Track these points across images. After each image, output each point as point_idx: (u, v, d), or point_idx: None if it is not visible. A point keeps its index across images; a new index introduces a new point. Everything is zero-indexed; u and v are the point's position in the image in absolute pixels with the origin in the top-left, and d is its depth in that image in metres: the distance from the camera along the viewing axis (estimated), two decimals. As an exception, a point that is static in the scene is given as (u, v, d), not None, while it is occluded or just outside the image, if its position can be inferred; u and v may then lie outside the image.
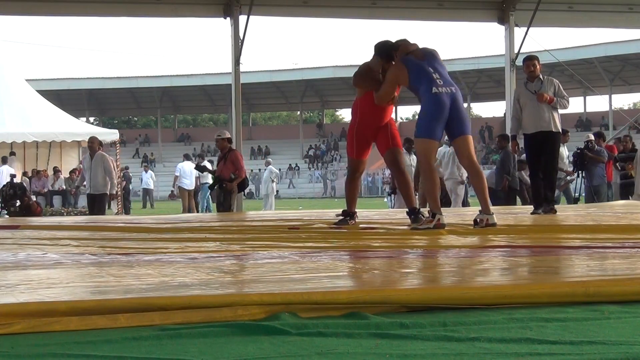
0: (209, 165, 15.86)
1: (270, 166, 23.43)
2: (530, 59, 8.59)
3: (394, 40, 6.53)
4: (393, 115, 6.91)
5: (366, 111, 6.59)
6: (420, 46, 6.48)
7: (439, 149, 14.37)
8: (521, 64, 9.17)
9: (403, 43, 6.42)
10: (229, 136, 12.03)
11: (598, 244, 4.62)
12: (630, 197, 14.12)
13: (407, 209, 6.64)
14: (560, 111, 8.58)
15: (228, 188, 11.61)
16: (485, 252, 4.30)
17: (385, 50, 6.52)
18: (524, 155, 11.45)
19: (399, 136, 6.76)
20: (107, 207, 13.81)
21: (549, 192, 8.45)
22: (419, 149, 6.22)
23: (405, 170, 6.85)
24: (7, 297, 2.78)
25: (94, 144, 13.37)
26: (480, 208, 6.16)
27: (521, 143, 9.26)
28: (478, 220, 6.09)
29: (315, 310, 2.58)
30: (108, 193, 13.08)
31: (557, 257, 3.98)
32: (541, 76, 8.49)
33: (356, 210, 6.86)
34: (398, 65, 6.29)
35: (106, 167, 12.99)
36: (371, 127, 6.60)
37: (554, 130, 8.33)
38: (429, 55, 6.32)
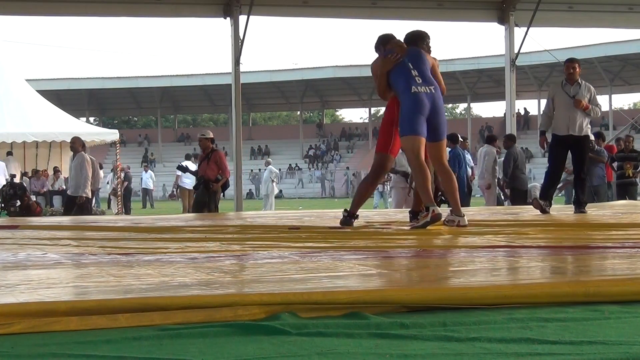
0: (192, 166, 15.85)
1: (270, 166, 23.44)
2: (572, 61, 8.66)
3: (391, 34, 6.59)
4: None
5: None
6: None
7: None
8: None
9: (391, 37, 6.49)
10: (212, 136, 12.05)
11: (598, 244, 4.62)
12: (627, 197, 14.12)
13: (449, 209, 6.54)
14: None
15: (214, 189, 11.65)
16: (485, 252, 4.30)
17: (377, 43, 6.60)
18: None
19: None
20: (90, 208, 13.58)
21: (581, 194, 8.53)
22: (407, 146, 6.20)
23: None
24: (7, 297, 2.78)
25: (75, 144, 13.28)
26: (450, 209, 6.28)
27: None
28: (447, 221, 6.14)
29: (315, 310, 2.58)
30: (87, 195, 12.85)
31: (557, 257, 3.98)
32: (580, 80, 8.51)
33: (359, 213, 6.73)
34: (379, 58, 6.38)
35: (82, 168, 12.87)
36: None
37: (584, 135, 8.40)
38: (412, 52, 6.35)
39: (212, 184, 11.58)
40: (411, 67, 6.19)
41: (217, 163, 11.70)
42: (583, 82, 8.58)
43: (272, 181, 22.67)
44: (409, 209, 6.87)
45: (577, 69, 8.56)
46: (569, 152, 8.58)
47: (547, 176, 8.79)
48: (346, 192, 41.93)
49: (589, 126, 8.52)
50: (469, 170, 14.39)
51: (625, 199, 14.01)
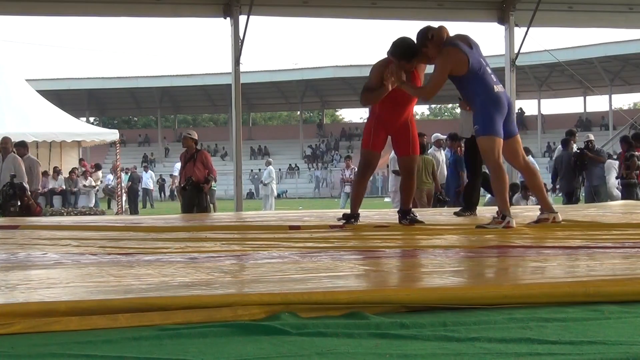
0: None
1: (270, 167, 23.45)
2: None
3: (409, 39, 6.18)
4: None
5: (387, 106, 6.35)
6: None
7: (436, 154, 14.37)
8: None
9: (438, 30, 5.95)
10: (197, 137, 12.12)
11: (598, 243, 4.62)
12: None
13: (400, 209, 6.66)
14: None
15: (205, 190, 11.75)
16: (485, 252, 4.30)
17: (408, 48, 6.10)
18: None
19: (418, 142, 6.67)
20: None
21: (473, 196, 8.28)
22: (487, 147, 5.88)
23: (414, 179, 6.78)
24: (7, 297, 2.78)
25: (7, 145, 13.29)
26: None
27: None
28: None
29: (315, 310, 2.58)
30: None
31: (557, 257, 3.98)
32: None
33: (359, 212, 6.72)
34: (456, 52, 5.79)
35: (16, 169, 12.90)
36: (391, 123, 6.44)
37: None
38: (476, 46, 5.96)
39: (204, 185, 11.67)
40: (485, 64, 5.92)
41: (204, 163, 11.78)
42: None
43: (265, 183, 22.74)
44: (397, 209, 6.88)
45: None
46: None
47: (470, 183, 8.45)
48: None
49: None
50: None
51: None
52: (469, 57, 5.79)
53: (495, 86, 5.91)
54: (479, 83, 5.86)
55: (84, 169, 23.76)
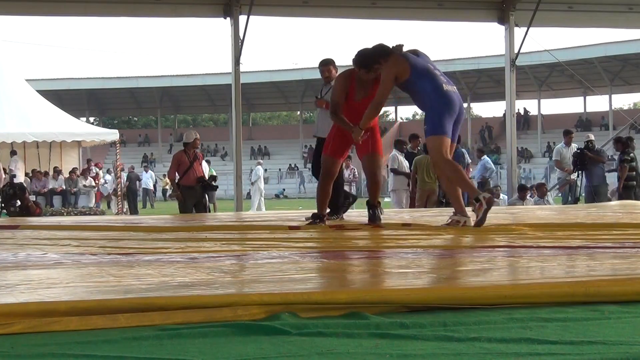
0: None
1: (258, 166, 23.52)
2: (325, 64, 8.23)
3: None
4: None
5: (349, 116, 6.48)
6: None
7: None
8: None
9: (397, 47, 6.31)
10: None
11: (598, 243, 4.62)
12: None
13: (369, 202, 6.78)
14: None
15: (215, 189, 11.97)
16: (485, 252, 4.30)
17: (366, 57, 6.33)
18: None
19: (380, 141, 6.79)
20: None
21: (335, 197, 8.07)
22: (435, 146, 6.02)
23: (380, 176, 6.87)
24: (7, 297, 2.77)
25: None
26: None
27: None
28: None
29: (315, 310, 2.58)
30: None
31: (557, 257, 3.98)
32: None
33: (326, 213, 6.94)
34: (396, 59, 6.10)
35: None
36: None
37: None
38: (424, 55, 6.31)
39: (213, 184, 11.88)
40: (433, 67, 6.12)
41: (201, 164, 12.03)
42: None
43: (252, 182, 22.80)
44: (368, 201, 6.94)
45: (332, 71, 8.07)
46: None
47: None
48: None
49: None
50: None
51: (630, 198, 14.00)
52: (408, 59, 6.05)
53: (444, 84, 6.01)
54: (427, 82, 6.00)
55: (97, 169, 23.69)
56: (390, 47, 6.29)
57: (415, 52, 6.29)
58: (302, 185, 45.39)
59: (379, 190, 6.85)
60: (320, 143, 7.90)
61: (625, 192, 14.32)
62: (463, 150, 14.55)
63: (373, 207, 6.74)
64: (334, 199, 7.81)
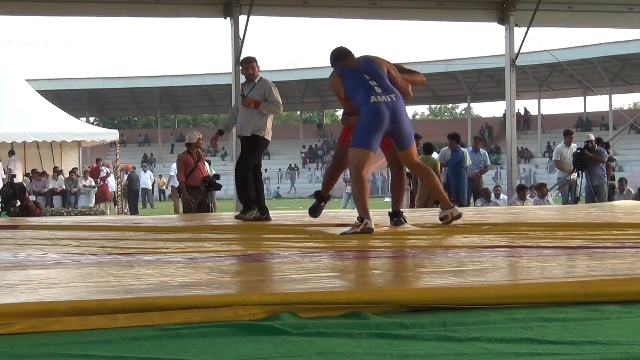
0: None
1: None
2: (247, 61, 8.04)
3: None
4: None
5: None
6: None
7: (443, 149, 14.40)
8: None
9: (347, 53, 6.30)
10: None
11: (598, 243, 4.62)
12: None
13: (391, 210, 6.56)
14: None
15: (219, 188, 12.05)
16: (485, 252, 4.30)
17: (331, 59, 6.37)
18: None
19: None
20: None
21: (242, 195, 7.97)
22: (353, 159, 5.95)
23: (404, 171, 6.71)
24: (7, 297, 2.78)
25: None
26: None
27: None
28: (441, 218, 6.31)
29: (315, 310, 2.58)
30: None
31: (557, 257, 3.98)
32: (257, 79, 7.98)
33: (330, 194, 6.98)
34: (332, 75, 6.20)
35: None
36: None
37: (252, 135, 7.80)
38: (366, 62, 6.16)
39: (218, 182, 11.99)
40: (368, 77, 6.00)
41: (204, 163, 12.11)
42: (261, 79, 7.97)
43: None
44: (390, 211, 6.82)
45: (256, 69, 7.94)
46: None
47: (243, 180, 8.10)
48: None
49: (268, 127, 7.89)
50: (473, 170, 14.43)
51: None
52: (342, 76, 6.09)
53: (373, 97, 5.91)
54: (361, 94, 5.97)
55: (107, 169, 23.62)
56: (345, 51, 6.33)
57: (363, 58, 6.22)
58: (293, 186, 45.41)
59: (404, 190, 6.73)
60: (245, 143, 7.74)
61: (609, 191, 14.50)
62: (465, 150, 14.53)
63: (397, 214, 6.50)
64: (246, 197, 7.82)
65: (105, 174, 22.98)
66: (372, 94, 5.91)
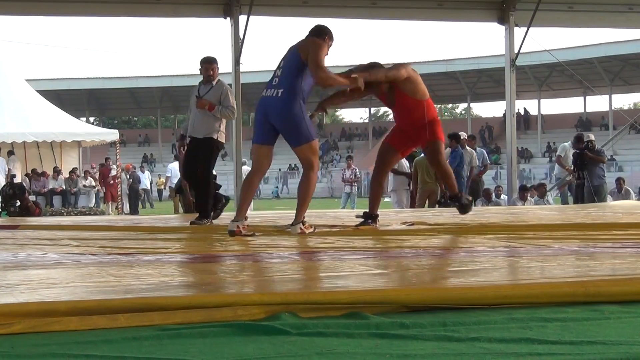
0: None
1: (244, 166, 23.49)
2: (207, 61, 7.98)
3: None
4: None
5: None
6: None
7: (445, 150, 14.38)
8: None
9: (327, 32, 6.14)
10: None
11: (598, 243, 4.62)
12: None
13: (450, 195, 6.60)
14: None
15: (218, 189, 11.89)
16: (485, 252, 4.30)
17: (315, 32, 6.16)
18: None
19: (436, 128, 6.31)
20: None
21: (200, 201, 7.77)
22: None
23: (444, 163, 6.49)
24: (7, 297, 2.78)
25: None
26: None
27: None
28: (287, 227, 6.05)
29: (315, 310, 2.58)
30: None
31: (557, 257, 3.98)
32: (215, 81, 7.88)
33: (378, 213, 6.51)
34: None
35: None
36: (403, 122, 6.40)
37: (206, 137, 7.58)
38: (289, 49, 6.05)
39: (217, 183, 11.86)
40: (277, 68, 5.96)
41: None
42: (219, 82, 7.84)
43: None
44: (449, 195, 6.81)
45: (216, 70, 7.90)
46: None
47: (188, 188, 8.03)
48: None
49: (222, 129, 7.70)
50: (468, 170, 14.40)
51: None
52: None
53: (264, 91, 5.92)
54: None
55: (119, 168, 23.57)
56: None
57: (299, 43, 6.07)
58: (285, 185, 45.45)
59: (450, 177, 6.48)
60: (197, 145, 7.56)
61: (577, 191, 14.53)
62: (462, 150, 14.51)
63: (455, 197, 6.50)
64: (203, 203, 7.63)
65: (115, 174, 22.97)
66: (267, 86, 5.92)
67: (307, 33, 6.08)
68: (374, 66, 6.23)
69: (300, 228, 5.81)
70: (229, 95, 7.70)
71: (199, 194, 7.78)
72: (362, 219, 6.42)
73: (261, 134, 5.92)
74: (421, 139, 6.31)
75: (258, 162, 6.00)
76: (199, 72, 8.06)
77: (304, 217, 5.93)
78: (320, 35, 6.02)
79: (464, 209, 6.54)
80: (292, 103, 5.74)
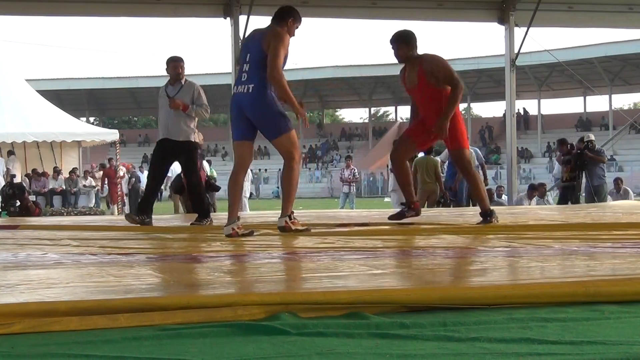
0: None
1: None
2: (173, 60, 7.96)
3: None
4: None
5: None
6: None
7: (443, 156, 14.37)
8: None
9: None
10: None
11: (598, 243, 4.62)
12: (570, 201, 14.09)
13: (481, 211, 6.42)
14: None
15: (218, 189, 12.10)
16: (485, 252, 4.30)
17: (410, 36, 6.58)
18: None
19: (461, 133, 6.36)
20: None
21: (197, 204, 7.73)
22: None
23: (471, 170, 6.50)
24: (7, 297, 2.78)
25: None
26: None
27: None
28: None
29: (315, 310, 2.58)
30: None
31: (556, 257, 3.98)
32: (184, 80, 7.86)
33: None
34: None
35: None
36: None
37: (184, 140, 7.54)
38: (251, 38, 5.96)
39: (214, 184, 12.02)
40: (247, 59, 5.81)
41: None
42: (188, 81, 7.83)
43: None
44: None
45: (183, 69, 7.87)
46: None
47: (146, 186, 7.98)
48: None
49: (195, 130, 7.67)
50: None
51: (567, 203, 14.05)
52: None
53: (234, 88, 5.90)
54: None
55: (124, 168, 23.51)
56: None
57: (266, 28, 6.05)
58: (278, 186, 45.42)
59: (480, 189, 6.41)
60: (177, 148, 7.48)
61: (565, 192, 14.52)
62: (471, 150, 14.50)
63: (485, 214, 6.32)
64: (199, 204, 7.64)
65: (122, 174, 22.96)
66: (236, 82, 5.87)
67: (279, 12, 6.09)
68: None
69: (286, 221, 5.74)
70: (202, 94, 7.73)
71: (194, 196, 7.80)
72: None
73: (239, 130, 5.87)
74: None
75: (241, 158, 5.95)
76: (165, 72, 8.03)
77: (292, 212, 5.88)
78: (283, 19, 6.01)
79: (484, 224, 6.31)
80: (263, 97, 5.70)
